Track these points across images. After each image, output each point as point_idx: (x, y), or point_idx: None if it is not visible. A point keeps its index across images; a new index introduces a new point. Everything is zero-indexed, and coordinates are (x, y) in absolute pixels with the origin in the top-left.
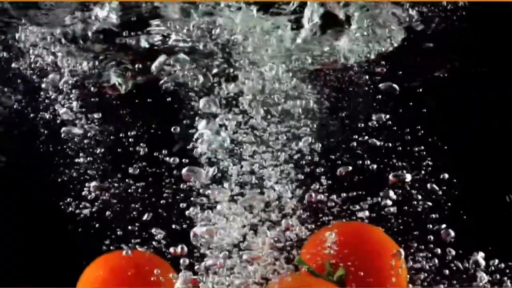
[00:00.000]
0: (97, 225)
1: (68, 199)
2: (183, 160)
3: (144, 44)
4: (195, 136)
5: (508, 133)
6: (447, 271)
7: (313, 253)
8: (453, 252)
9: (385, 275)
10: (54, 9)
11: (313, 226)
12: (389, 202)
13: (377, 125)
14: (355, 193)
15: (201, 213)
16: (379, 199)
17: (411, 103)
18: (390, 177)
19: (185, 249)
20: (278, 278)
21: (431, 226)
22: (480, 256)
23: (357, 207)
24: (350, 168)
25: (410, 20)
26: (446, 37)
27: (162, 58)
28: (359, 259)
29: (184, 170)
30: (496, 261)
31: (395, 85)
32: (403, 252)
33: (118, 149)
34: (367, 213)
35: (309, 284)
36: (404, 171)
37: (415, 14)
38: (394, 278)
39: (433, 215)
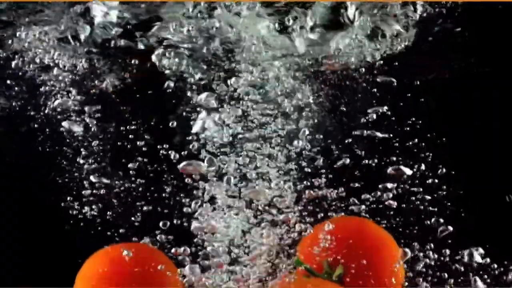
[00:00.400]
0: (97, 224)
1: (68, 198)
2: (182, 154)
3: (142, 43)
4: (195, 131)
5: (510, 133)
6: (445, 270)
7: (311, 250)
8: (452, 252)
9: (382, 269)
10: (53, 8)
11: (312, 221)
12: (389, 201)
13: (378, 126)
14: (353, 188)
15: (201, 208)
16: (378, 193)
17: (412, 103)
18: (389, 170)
19: (188, 250)
20: (278, 279)
21: (431, 225)
22: (479, 256)
23: (354, 202)
24: (348, 160)
25: (412, 20)
26: (447, 37)
27: (160, 50)
28: (357, 254)
29: (181, 164)
30: (496, 261)
31: (393, 79)
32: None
33: (118, 147)
34: (362, 207)
35: (311, 285)
36: (403, 167)
37: (417, 14)
38: (391, 272)
39: (434, 215)
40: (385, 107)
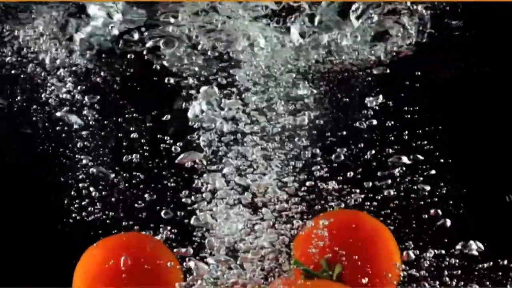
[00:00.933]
0: (96, 222)
1: (68, 197)
2: (182, 146)
3: (141, 40)
4: (194, 125)
5: (510, 133)
6: (443, 268)
7: (306, 246)
8: (452, 251)
9: (379, 261)
10: (52, 8)
11: (309, 215)
12: (388, 194)
13: (377, 124)
14: (350, 183)
15: (201, 201)
16: (376, 191)
17: (413, 103)
18: (390, 159)
19: (191, 250)
20: (278, 279)
21: (429, 223)
22: (478, 255)
23: (351, 195)
24: (346, 150)
25: (414, 20)
26: (447, 37)
27: (159, 45)
28: (353, 247)
29: (180, 157)
30: (495, 260)
31: (388, 71)
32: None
33: (117, 145)
34: (358, 201)
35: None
36: (403, 158)
37: (419, 14)
38: (389, 264)
39: (433, 214)
40: (385, 107)
